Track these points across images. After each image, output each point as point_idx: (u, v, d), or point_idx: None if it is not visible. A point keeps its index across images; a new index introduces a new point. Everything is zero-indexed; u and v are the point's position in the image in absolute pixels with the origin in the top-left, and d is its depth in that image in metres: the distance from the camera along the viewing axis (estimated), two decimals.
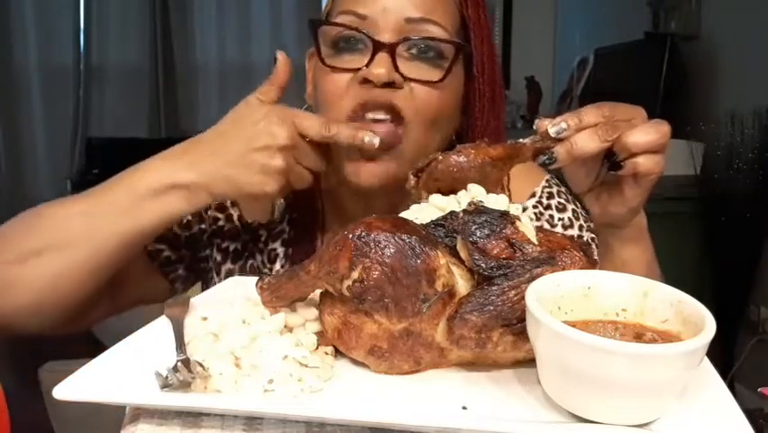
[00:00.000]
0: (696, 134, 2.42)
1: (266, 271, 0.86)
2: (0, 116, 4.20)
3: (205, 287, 0.88)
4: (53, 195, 4.34)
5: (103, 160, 4.16)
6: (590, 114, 0.60)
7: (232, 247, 0.87)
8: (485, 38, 0.79)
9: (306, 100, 0.85)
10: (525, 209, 0.90)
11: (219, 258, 0.88)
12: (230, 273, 0.87)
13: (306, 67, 0.86)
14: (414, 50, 0.74)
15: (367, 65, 0.72)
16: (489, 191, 0.60)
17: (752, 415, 0.48)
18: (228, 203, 0.88)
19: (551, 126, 0.60)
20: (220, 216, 0.88)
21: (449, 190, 0.62)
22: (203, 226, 0.88)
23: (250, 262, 0.88)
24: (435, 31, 0.74)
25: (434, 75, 0.74)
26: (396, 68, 0.72)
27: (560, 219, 0.90)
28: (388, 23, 0.72)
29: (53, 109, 4.29)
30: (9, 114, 4.21)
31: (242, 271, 0.87)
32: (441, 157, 0.63)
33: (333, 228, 0.87)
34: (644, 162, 0.61)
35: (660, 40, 2.83)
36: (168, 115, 4.53)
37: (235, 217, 0.88)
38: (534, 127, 0.62)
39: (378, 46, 0.72)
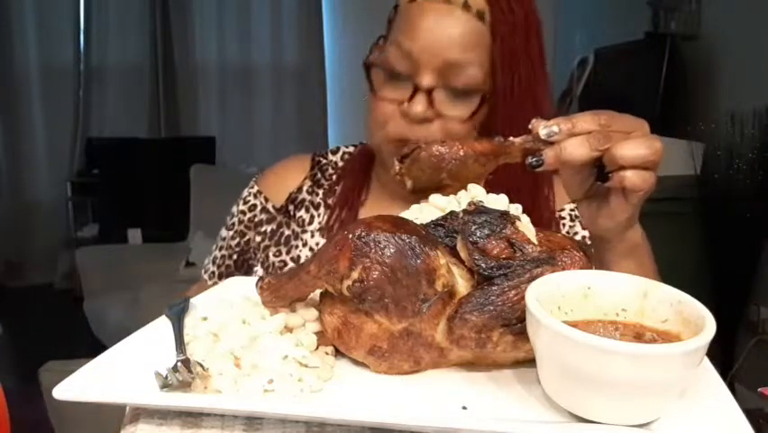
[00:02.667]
0: (696, 134, 2.42)
1: (298, 239, 0.95)
2: (0, 116, 4.19)
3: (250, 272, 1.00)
4: (53, 195, 4.37)
5: (102, 160, 4.17)
6: (586, 120, 0.59)
7: (269, 229, 0.97)
8: (518, 66, 0.83)
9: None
10: (562, 209, 0.93)
11: (259, 239, 0.98)
12: (266, 249, 0.96)
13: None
14: (448, 93, 0.82)
15: (409, 99, 0.81)
16: (468, 185, 0.60)
17: (752, 415, 0.48)
18: (252, 198, 0.99)
19: (542, 128, 0.60)
20: (256, 213, 0.99)
21: (431, 179, 0.62)
22: (248, 237, 0.99)
23: (285, 233, 0.96)
24: (470, 71, 0.81)
25: (465, 110, 0.82)
26: (431, 105, 0.81)
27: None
28: (429, 63, 0.80)
29: (53, 109, 4.29)
30: (9, 114, 4.21)
31: (278, 246, 0.96)
32: (424, 145, 0.63)
33: (377, 193, 0.96)
34: (630, 177, 0.59)
35: (660, 40, 2.83)
36: (167, 116, 4.53)
37: (268, 205, 0.98)
38: (530, 127, 0.61)
39: (417, 87, 0.81)
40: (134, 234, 3.99)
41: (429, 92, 0.81)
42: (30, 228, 4.30)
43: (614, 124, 0.60)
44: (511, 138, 0.63)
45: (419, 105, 0.80)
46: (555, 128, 0.59)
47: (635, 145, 0.59)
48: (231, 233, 1.00)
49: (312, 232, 0.95)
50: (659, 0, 2.99)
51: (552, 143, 0.59)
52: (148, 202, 4.04)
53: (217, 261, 1.00)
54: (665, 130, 2.55)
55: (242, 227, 0.99)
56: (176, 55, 4.47)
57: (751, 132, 2.30)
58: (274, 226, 0.97)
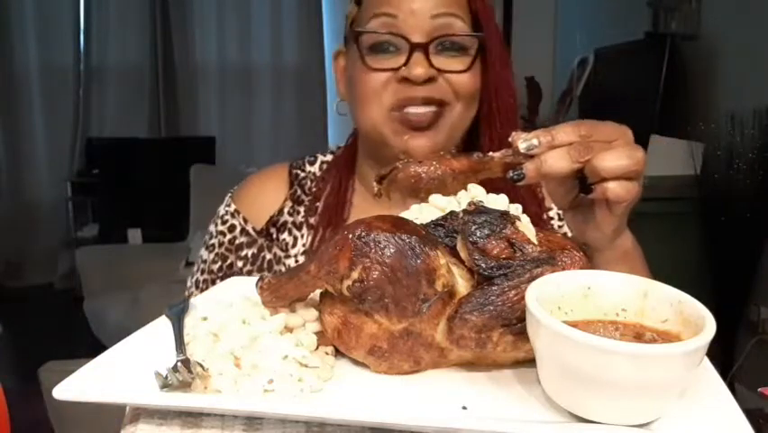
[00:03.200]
0: (696, 134, 2.43)
1: (280, 264, 0.93)
2: (0, 116, 4.20)
3: None
4: (53, 195, 4.38)
5: (102, 160, 4.18)
6: (565, 132, 0.58)
7: (250, 253, 0.94)
8: (493, 26, 0.87)
9: (340, 97, 0.93)
10: (550, 209, 0.93)
11: (240, 264, 0.94)
12: (249, 274, 0.92)
13: (332, 68, 0.95)
14: (443, 46, 0.82)
15: (405, 64, 0.80)
16: (468, 185, 0.60)
17: (752, 415, 0.48)
18: (230, 217, 0.95)
19: (521, 142, 0.59)
20: (236, 234, 0.95)
21: (411, 198, 0.62)
22: (230, 261, 0.95)
23: (267, 258, 0.94)
24: (457, 23, 0.82)
25: (462, 64, 0.83)
26: (430, 64, 0.80)
27: None
28: (418, 23, 0.80)
29: (53, 109, 4.30)
30: (9, 114, 4.22)
31: (260, 270, 0.93)
32: (401, 166, 0.63)
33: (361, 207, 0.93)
34: (613, 188, 0.58)
35: (660, 40, 2.83)
36: (167, 115, 4.54)
37: (248, 227, 0.94)
38: (510, 140, 0.60)
39: (413, 47, 0.80)
40: (134, 234, 3.99)
41: (425, 51, 0.80)
42: (30, 228, 4.31)
43: (595, 134, 0.58)
44: (490, 153, 0.62)
45: (419, 66, 0.79)
46: (535, 141, 0.58)
47: (617, 156, 0.57)
48: (212, 255, 0.95)
49: (296, 256, 0.92)
50: (659, 0, 2.99)
51: (532, 156, 0.59)
52: (148, 202, 4.05)
53: (200, 285, 0.95)
54: (665, 130, 2.56)
55: (222, 250, 0.94)
56: (176, 55, 4.48)
57: (751, 132, 2.30)
58: (255, 250, 0.94)
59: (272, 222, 0.93)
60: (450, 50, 0.82)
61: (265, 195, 0.95)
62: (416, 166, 0.62)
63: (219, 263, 0.94)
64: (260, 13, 4.51)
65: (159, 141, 4.42)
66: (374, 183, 0.65)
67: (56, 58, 4.25)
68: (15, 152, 4.28)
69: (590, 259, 0.67)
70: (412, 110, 0.81)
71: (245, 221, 0.94)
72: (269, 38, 4.55)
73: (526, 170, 0.59)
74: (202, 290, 0.94)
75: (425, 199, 0.61)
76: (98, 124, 4.40)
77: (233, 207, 0.95)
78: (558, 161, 0.58)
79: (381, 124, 0.83)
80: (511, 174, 0.59)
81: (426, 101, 0.81)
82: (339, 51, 0.93)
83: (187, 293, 0.96)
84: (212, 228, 0.96)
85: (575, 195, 0.65)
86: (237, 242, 0.94)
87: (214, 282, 0.94)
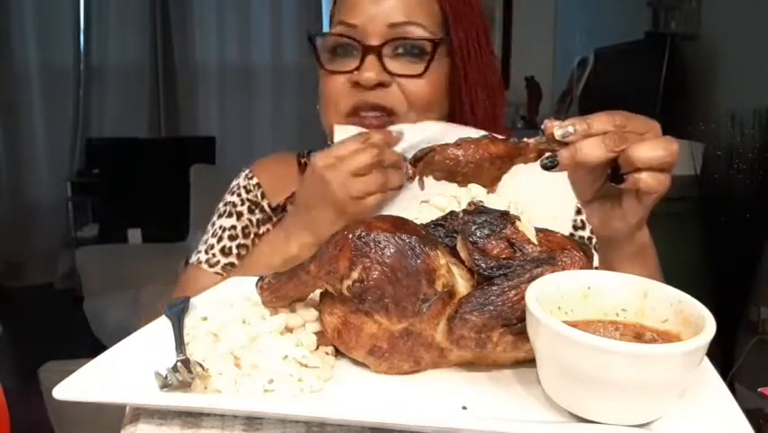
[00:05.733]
0: (696, 134, 2.42)
1: None
2: (0, 116, 4.19)
3: None
4: (53, 195, 4.37)
5: (102, 160, 4.17)
6: (601, 121, 0.59)
7: (263, 230, 0.97)
8: (468, 27, 0.87)
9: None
10: None
11: (255, 230, 0.97)
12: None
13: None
14: (398, 50, 0.83)
15: (357, 68, 0.82)
16: (484, 187, 0.60)
17: (752, 415, 0.48)
18: (253, 188, 0.99)
19: (557, 129, 0.59)
20: (256, 211, 0.98)
21: (446, 181, 0.62)
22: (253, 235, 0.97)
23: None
24: (416, 31, 0.83)
25: (418, 69, 0.83)
26: (383, 67, 0.82)
27: (572, 220, 0.92)
28: (375, 29, 0.82)
29: (53, 109, 4.29)
30: (9, 114, 4.21)
31: None
32: (438, 148, 0.63)
33: None
34: (646, 179, 0.59)
35: (660, 40, 2.84)
36: (167, 116, 4.53)
37: (264, 203, 0.98)
38: (542, 127, 0.60)
39: (366, 49, 0.82)
40: (134, 234, 3.99)
41: (379, 55, 0.81)
42: (30, 228, 4.30)
43: (629, 125, 0.59)
44: (525, 139, 0.62)
45: (370, 71, 0.81)
46: (571, 128, 0.58)
47: (652, 147, 0.58)
48: (232, 221, 0.96)
49: None
50: (659, 0, 2.99)
51: (566, 144, 0.59)
52: (148, 202, 4.04)
53: (226, 250, 0.95)
54: (665, 130, 2.55)
55: (244, 208, 0.97)
56: (176, 55, 4.47)
57: (751, 132, 2.30)
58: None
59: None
60: (407, 55, 0.83)
61: (284, 177, 0.99)
62: (454, 149, 0.62)
63: (234, 222, 0.96)
64: (260, 13, 4.51)
65: (159, 141, 4.41)
66: (408, 165, 0.65)
67: (56, 58, 4.24)
68: (15, 152, 4.27)
69: (607, 254, 0.67)
70: (363, 114, 0.83)
71: (263, 196, 0.98)
72: (269, 38, 4.55)
73: (561, 157, 0.59)
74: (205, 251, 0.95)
75: (462, 184, 0.61)
76: (98, 124, 4.39)
77: (254, 180, 0.99)
78: (593, 150, 0.58)
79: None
80: (544, 161, 0.60)
81: (375, 107, 0.83)
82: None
83: (199, 261, 0.95)
84: (233, 198, 0.99)
85: (601, 185, 0.65)
86: (255, 219, 0.97)
87: (221, 240, 0.95)
